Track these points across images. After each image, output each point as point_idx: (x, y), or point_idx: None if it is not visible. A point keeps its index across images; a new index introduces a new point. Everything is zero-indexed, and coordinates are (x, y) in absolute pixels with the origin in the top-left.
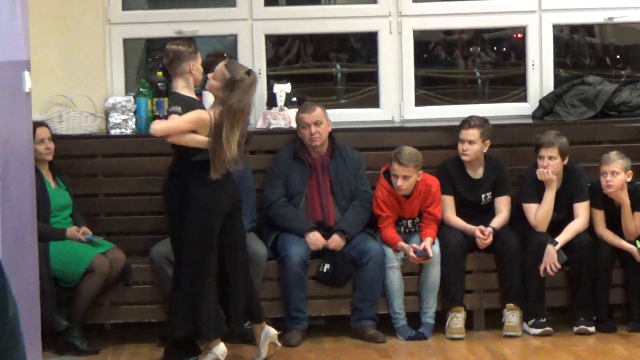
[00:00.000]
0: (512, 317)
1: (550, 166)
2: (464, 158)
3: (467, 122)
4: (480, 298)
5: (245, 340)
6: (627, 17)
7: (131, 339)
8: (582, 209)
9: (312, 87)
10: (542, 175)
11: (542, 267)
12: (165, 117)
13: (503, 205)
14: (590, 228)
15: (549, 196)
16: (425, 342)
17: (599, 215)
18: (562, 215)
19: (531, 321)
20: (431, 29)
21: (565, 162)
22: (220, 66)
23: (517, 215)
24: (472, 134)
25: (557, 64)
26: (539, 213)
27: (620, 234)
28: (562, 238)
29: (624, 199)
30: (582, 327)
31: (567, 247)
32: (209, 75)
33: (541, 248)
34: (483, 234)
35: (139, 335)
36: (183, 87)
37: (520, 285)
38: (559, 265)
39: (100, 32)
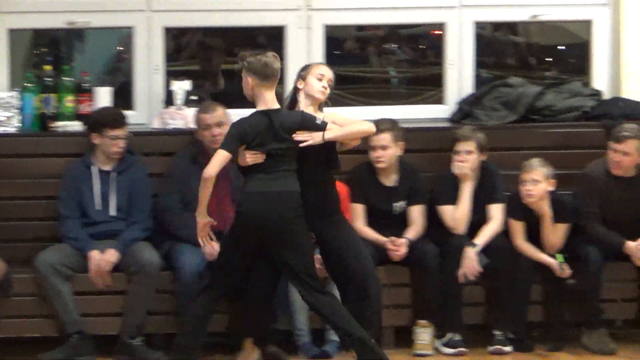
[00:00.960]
0: (423, 334)
1: (467, 161)
2: (380, 165)
3: (376, 127)
4: (390, 314)
5: None
6: (553, 15)
7: (11, 356)
8: (496, 211)
9: None
10: (458, 169)
11: (461, 272)
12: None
13: (418, 215)
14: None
15: (466, 193)
16: None
17: (518, 227)
18: (475, 219)
19: (445, 339)
20: (343, 24)
21: (484, 157)
22: (329, 70)
23: (433, 223)
24: (384, 138)
25: (478, 64)
26: (457, 212)
27: (541, 248)
28: (481, 240)
29: (545, 209)
30: (497, 346)
31: (484, 253)
32: (325, 84)
33: (461, 252)
34: (394, 245)
35: (20, 352)
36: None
37: (436, 300)
38: (479, 269)
39: None
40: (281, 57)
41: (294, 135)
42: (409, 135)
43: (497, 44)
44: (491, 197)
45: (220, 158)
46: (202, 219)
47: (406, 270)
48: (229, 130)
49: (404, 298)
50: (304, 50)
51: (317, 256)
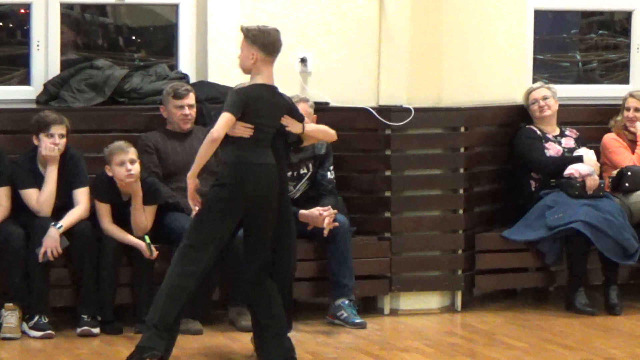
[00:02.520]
0: (10, 317)
1: (60, 144)
2: None
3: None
4: None
5: None
6: None
7: None
8: (81, 196)
9: None
10: (50, 152)
11: (42, 251)
12: None
13: (2, 197)
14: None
15: (52, 176)
16: None
17: (105, 210)
18: (61, 203)
19: (32, 322)
20: None
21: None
22: None
23: (18, 205)
24: None
25: (66, 45)
26: (41, 196)
27: (129, 230)
28: (65, 222)
29: (138, 190)
30: (85, 328)
31: (69, 237)
32: None
33: (44, 233)
34: None
35: None
36: None
37: (22, 283)
38: (60, 250)
39: None
40: None
41: (282, 118)
42: None
43: (85, 25)
44: (75, 181)
45: (227, 120)
46: (194, 181)
47: None
48: (232, 95)
49: None
50: None
51: None
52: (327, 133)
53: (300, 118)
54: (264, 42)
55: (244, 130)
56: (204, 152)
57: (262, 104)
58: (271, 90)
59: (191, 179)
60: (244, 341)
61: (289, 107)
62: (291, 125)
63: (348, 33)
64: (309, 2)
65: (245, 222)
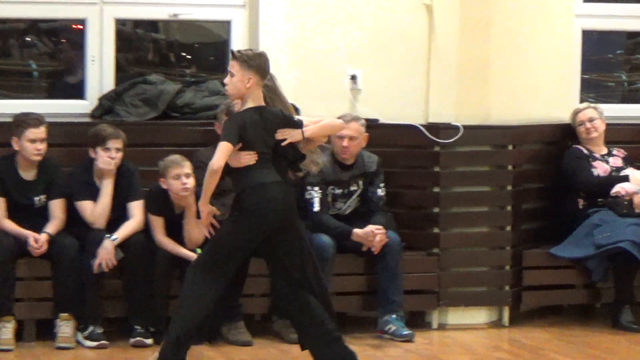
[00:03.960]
0: (65, 327)
1: (116, 158)
2: (37, 158)
3: (36, 120)
4: (31, 307)
5: None
6: (193, 15)
7: None
8: (136, 209)
9: None
10: (107, 165)
11: (97, 262)
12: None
13: (57, 209)
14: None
15: (107, 189)
16: None
17: (158, 222)
18: (115, 216)
19: (86, 332)
20: None
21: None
22: None
23: (73, 217)
24: (43, 131)
25: (120, 60)
26: (97, 208)
27: (181, 243)
28: (120, 234)
29: (192, 203)
30: (138, 339)
31: (123, 249)
32: None
33: (99, 245)
34: (37, 243)
35: None
36: None
37: (76, 293)
38: (115, 262)
39: None
40: None
41: (276, 133)
42: (51, 129)
43: (137, 41)
44: (130, 194)
45: (225, 150)
46: (207, 208)
47: (47, 264)
48: (228, 124)
49: (45, 291)
50: None
51: None
52: (331, 126)
53: (298, 125)
54: (259, 65)
55: (249, 159)
56: (207, 183)
57: (257, 128)
58: (262, 110)
59: (204, 207)
60: (295, 353)
61: (283, 120)
62: (289, 135)
63: (397, 51)
64: (359, 20)
65: (268, 246)
